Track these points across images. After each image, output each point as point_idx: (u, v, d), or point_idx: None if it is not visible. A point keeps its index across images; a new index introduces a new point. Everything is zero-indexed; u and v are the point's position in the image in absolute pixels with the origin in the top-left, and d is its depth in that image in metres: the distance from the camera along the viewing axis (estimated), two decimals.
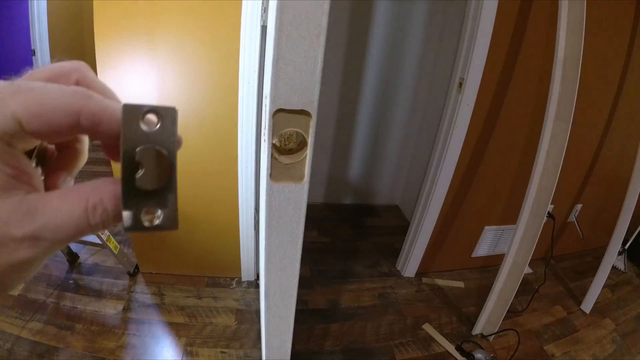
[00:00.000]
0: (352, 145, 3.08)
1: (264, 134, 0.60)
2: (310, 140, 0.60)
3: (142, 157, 0.24)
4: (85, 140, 0.32)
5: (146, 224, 0.25)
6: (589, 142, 2.40)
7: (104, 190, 0.25)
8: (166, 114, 0.25)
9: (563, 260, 2.85)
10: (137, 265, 2.27)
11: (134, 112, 0.24)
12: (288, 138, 0.60)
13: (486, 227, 2.43)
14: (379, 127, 3.03)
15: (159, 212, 0.25)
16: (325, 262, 2.53)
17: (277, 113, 0.56)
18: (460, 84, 1.88)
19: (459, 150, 2.03)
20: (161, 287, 2.18)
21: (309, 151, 0.61)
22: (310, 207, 3.23)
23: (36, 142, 0.27)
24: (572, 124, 1.59)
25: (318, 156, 3.05)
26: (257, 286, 2.22)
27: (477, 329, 2.04)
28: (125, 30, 1.61)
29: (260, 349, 1.85)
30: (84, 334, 1.85)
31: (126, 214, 0.24)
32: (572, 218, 2.71)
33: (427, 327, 2.07)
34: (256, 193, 1.96)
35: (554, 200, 1.72)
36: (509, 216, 2.41)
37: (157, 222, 0.25)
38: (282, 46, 0.48)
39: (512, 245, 1.82)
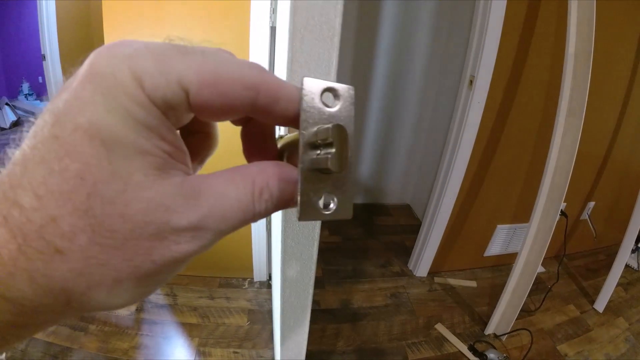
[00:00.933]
0: (362, 144, 3.08)
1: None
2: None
3: (334, 135, 0.21)
4: (217, 124, 0.28)
5: (323, 211, 0.22)
6: (601, 138, 2.38)
7: (270, 173, 0.22)
8: (344, 93, 0.23)
9: (576, 259, 2.82)
10: None
11: (315, 87, 0.22)
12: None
13: (498, 226, 2.42)
14: (388, 125, 3.02)
15: (335, 199, 0.22)
16: (336, 261, 2.53)
17: None
18: (471, 81, 1.87)
19: (471, 149, 2.02)
20: (174, 287, 2.19)
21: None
22: None
23: (187, 121, 0.22)
24: (583, 120, 1.58)
25: None
26: (269, 286, 2.23)
27: (490, 329, 2.03)
28: (133, 33, 1.61)
29: (272, 349, 1.85)
30: (97, 335, 1.86)
31: (303, 201, 0.21)
32: (584, 216, 2.68)
33: (440, 327, 2.06)
34: None
35: (566, 198, 1.70)
36: (522, 214, 2.38)
37: (333, 209, 0.22)
38: (295, 49, 0.46)
39: (524, 244, 1.81)
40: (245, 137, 0.27)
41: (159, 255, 0.19)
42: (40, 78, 5.29)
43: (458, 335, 2.02)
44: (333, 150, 0.21)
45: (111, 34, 1.62)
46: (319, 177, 0.22)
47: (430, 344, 1.98)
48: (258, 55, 1.64)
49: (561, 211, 1.78)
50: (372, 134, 3.05)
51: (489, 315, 2.06)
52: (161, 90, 0.18)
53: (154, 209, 0.18)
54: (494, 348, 1.92)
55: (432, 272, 2.47)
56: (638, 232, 2.14)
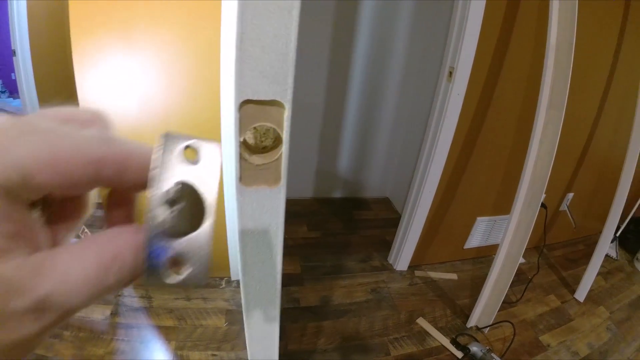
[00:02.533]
0: (340, 137, 3.04)
1: (233, 133, 0.51)
2: (285, 137, 0.51)
3: (178, 193, 0.21)
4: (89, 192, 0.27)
5: (169, 279, 0.21)
6: (581, 130, 2.38)
7: (121, 241, 0.21)
8: (208, 150, 0.22)
9: (555, 249, 2.84)
10: None
11: (174, 144, 0.21)
12: (264, 134, 0.52)
13: (478, 218, 2.41)
14: (367, 118, 3.00)
15: (189, 263, 0.21)
16: (316, 257, 2.50)
17: (244, 105, 0.48)
18: (450, 72, 1.85)
19: (450, 141, 2.00)
20: (149, 289, 2.14)
21: (284, 149, 0.52)
22: (300, 202, 3.24)
23: (41, 195, 0.21)
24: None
25: (306, 150, 3.01)
26: None
27: (472, 322, 2.03)
28: (101, 25, 1.56)
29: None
30: (72, 341, 1.81)
31: (149, 265, 0.20)
32: (563, 207, 2.70)
33: (422, 321, 2.04)
34: None
35: (545, 190, 1.70)
36: (501, 206, 2.39)
37: (183, 276, 0.21)
38: (246, 24, 0.42)
39: (505, 236, 1.80)
40: (109, 200, 0.26)
41: (1, 340, 0.18)
42: (12, 75, 5.16)
43: (440, 329, 2.01)
44: (183, 206, 0.21)
45: (78, 30, 1.56)
46: (171, 238, 0.21)
47: (412, 338, 1.96)
48: (231, 45, 1.59)
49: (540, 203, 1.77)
50: (351, 127, 3.01)
51: (470, 308, 2.06)
52: None
53: None
54: (477, 341, 1.91)
55: (413, 266, 2.46)
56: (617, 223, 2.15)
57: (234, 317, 2.00)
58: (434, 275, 2.42)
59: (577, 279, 2.38)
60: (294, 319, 2.00)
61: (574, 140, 2.38)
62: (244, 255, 0.60)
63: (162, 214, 0.20)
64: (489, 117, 2.04)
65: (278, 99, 0.48)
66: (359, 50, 2.72)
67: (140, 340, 1.86)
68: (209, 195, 0.21)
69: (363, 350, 1.88)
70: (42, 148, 0.19)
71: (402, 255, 2.38)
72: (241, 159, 0.51)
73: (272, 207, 0.57)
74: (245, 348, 1.78)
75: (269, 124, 0.50)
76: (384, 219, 3.05)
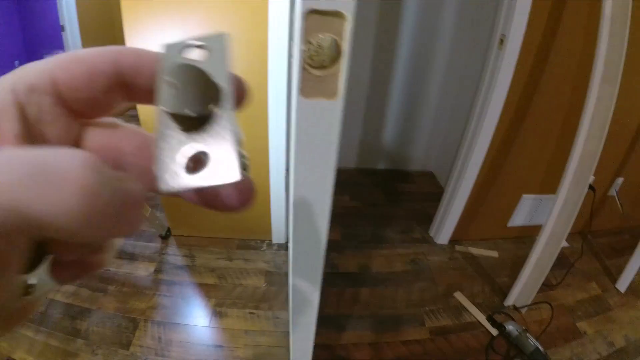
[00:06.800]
0: (385, 108, 3.02)
1: (296, 43, 0.54)
2: (345, 48, 0.54)
3: (173, 73, 0.18)
4: (112, 245, 0.22)
5: (193, 175, 0.16)
6: (634, 110, 2.28)
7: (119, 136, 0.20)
8: (214, 44, 0.19)
9: (600, 236, 2.75)
10: (168, 228, 2.30)
11: (175, 48, 0.19)
12: (319, 46, 0.54)
13: (524, 195, 2.35)
14: (414, 89, 2.95)
15: (210, 155, 0.17)
16: (356, 226, 2.52)
17: (309, 15, 0.50)
18: (502, 40, 1.80)
19: (499, 112, 1.95)
20: (192, 249, 2.21)
21: (343, 61, 0.54)
22: (342, 172, 3.21)
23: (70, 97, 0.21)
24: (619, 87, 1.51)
25: (350, 120, 2.99)
26: (288, 249, 2.22)
27: (510, 300, 2.00)
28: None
29: (288, 310, 1.85)
30: (116, 296, 1.90)
31: (162, 161, 0.17)
32: (612, 192, 2.61)
33: (459, 296, 2.04)
34: (287, 152, 1.93)
35: (595, 172, 1.65)
36: (549, 185, 2.31)
37: (207, 170, 0.16)
38: None
39: (551, 214, 1.76)
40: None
41: None
42: (61, 51, 5.36)
43: (477, 305, 2.00)
44: (192, 86, 0.18)
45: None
46: (186, 125, 0.17)
47: (448, 312, 1.96)
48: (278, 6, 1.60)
49: (589, 185, 1.72)
50: (396, 99, 2.98)
51: (509, 287, 2.03)
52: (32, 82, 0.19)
53: None
54: (513, 320, 1.89)
55: (454, 240, 2.44)
56: None
57: (273, 278, 2.04)
58: (474, 251, 2.40)
59: (620, 269, 2.30)
60: (332, 284, 2.03)
61: (627, 120, 2.27)
62: (298, 167, 0.62)
63: (168, 93, 0.17)
64: (540, 89, 1.97)
65: (341, 10, 0.51)
66: (406, 18, 2.68)
67: (181, 296, 1.93)
68: (222, 82, 0.18)
69: (398, 319, 1.89)
70: (66, 57, 0.20)
71: (444, 229, 2.36)
72: (303, 70, 0.54)
73: (328, 119, 0.60)
74: (282, 308, 1.83)
75: (331, 35, 0.53)
76: (427, 192, 3.02)
